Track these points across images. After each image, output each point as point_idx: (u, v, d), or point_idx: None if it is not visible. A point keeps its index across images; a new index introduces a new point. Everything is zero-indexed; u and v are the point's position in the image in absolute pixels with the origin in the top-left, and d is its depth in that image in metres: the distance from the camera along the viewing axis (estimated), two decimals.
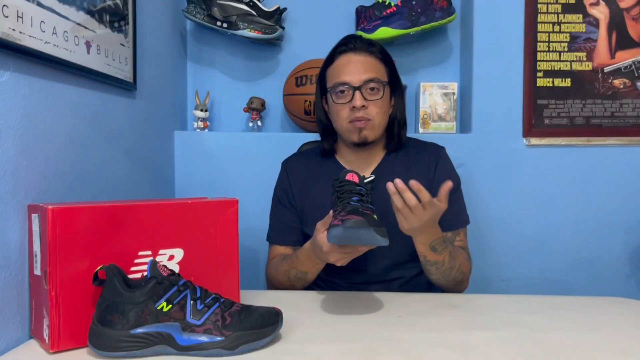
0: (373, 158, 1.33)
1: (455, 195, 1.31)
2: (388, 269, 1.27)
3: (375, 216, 1.00)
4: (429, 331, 0.91)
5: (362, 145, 1.28)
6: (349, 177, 1.07)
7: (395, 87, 1.32)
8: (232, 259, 0.99)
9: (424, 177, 1.28)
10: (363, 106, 1.22)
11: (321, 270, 1.20)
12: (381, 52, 1.30)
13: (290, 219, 1.34)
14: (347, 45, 1.28)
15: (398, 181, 1.03)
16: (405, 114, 1.35)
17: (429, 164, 1.31)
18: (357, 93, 1.23)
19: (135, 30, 1.35)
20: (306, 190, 1.33)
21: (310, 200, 1.31)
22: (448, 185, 1.04)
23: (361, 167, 1.31)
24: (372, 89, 1.24)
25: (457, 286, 1.25)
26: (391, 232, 1.20)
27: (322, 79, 1.33)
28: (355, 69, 1.25)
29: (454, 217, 1.27)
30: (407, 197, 1.02)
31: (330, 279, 1.29)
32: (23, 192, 0.88)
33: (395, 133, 1.32)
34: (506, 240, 1.74)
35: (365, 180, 1.08)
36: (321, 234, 1.04)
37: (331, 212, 1.04)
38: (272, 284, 1.30)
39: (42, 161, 0.94)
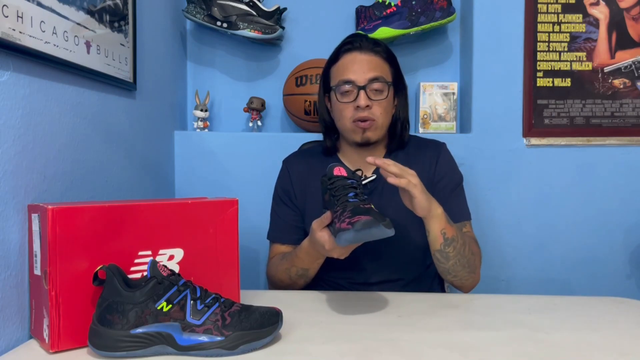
0: (375, 156, 1.33)
1: (457, 190, 1.31)
2: (389, 270, 1.27)
3: (372, 206, 1.00)
4: (429, 331, 0.91)
5: (365, 145, 1.29)
6: (336, 172, 1.05)
7: (399, 87, 1.32)
8: (232, 259, 0.99)
9: (425, 174, 1.28)
10: (367, 106, 1.22)
11: (321, 264, 1.19)
12: (386, 51, 1.30)
13: (291, 217, 1.34)
14: (352, 43, 1.28)
15: (370, 159, 1.06)
16: (408, 114, 1.35)
17: (430, 161, 1.31)
18: (362, 92, 1.22)
19: (135, 30, 1.35)
20: (307, 189, 1.33)
21: (312, 199, 1.31)
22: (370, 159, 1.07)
23: (363, 166, 1.31)
24: (376, 89, 1.24)
25: (472, 273, 1.21)
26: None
27: (325, 76, 1.33)
28: (361, 67, 1.24)
29: (458, 211, 1.27)
30: (391, 167, 1.04)
31: (332, 279, 1.29)
32: (23, 192, 0.88)
33: (397, 133, 1.33)
34: (506, 240, 1.74)
35: (354, 171, 1.07)
36: (320, 233, 1.03)
37: (329, 212, 1.02)
38: (273, 283, 1.30)
39: (42, 161, 0.94)
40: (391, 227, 0.93)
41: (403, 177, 1.04)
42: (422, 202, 1.07)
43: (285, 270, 1.22)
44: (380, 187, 1.27)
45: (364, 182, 1.11)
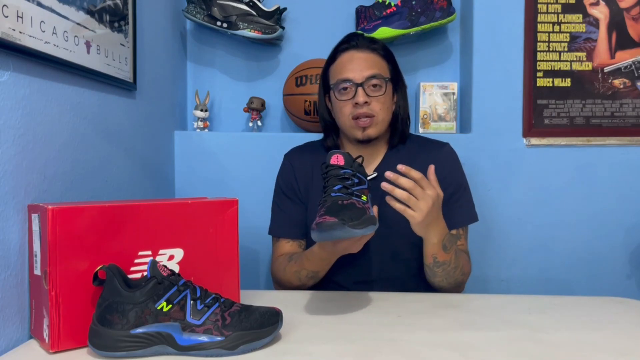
0: (376, 154, 1.34)
1: (460, 192, 1.31)
2: (389, 268, 1.28)
3: (364, 197, 0.99)
4: (429, 331, 0.91)
5: (366, 142, 1.29)
6: (333, 160, 1.03)
7: (398, 83, 1.33)
8: (232, 259, 0.99)
9: (426, 174, 1.28)
10: (366, 102, 1.23)
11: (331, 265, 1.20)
12: (383, 49, 1.31)
13: (296, 211, 1.33)
14: (349, 42, 1.30)
15: (389, 173, 1.03)
16: (408, 110, 1.36)
17: (430, 162, 1.31)
18: (360, 89, 1.24)
19: (135, 30, 1.35)
20: (311, 183, 1.33)
21: (315, 194, 1.31)
22: (431, 168, 1.09)
23: (364, 163, 1.31)
24: (374, 85, 1.25)
25: (456, 289, 1.26)
26: (391, 227, 1.20)
27: (324, 77, 1.34)
28: (358, 65, 1.26)
29: (456, 216, 1.27)
30: (402, 182, 1.03)
31: (332, 278, 1.29)
32: (23, 192, 0.88)
33: (398, 129, 1.34)
34: (506, 240, 1.74)
35: (354, 160, 1.04)
36: None
37: None
38: (280, 284, 1.29)
39: (42, 161, 0.94)
40: (368, 224, 0.93)
41: (411, 194, 1.03)
42: (415, 228, 1.09)
43: (295, 273, 1.22)
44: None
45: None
